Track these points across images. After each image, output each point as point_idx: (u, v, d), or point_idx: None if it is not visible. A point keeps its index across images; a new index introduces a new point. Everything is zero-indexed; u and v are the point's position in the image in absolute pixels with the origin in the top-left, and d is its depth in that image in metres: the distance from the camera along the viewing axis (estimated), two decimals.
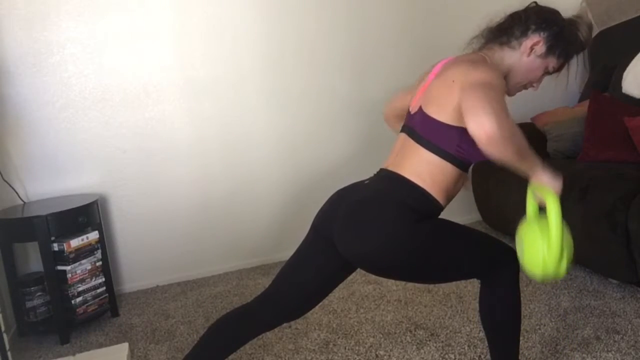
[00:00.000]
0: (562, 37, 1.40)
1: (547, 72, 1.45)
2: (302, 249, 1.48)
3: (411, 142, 1.37)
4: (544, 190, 1.27)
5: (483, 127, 1.11)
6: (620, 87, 2.79)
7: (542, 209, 1.35)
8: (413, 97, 1.47)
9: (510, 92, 1.48)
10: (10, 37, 2.50)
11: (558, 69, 1.46)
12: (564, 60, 1.43)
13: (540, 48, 1.40)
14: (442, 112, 1.31)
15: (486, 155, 1.37)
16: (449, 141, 1.31)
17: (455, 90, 1.26)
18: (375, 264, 1.32)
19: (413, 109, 1.43)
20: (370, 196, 1.34)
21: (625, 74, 2.78)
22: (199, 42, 2.77)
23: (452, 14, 3.13)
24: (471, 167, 1.49)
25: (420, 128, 1.36)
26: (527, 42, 1.40)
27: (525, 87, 1.48)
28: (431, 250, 1.30)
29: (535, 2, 1.46)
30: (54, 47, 2.56)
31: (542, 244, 1.25)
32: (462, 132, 1.29)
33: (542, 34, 1.39)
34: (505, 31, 1.43)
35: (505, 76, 1.44)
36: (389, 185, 1.35)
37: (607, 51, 3.15)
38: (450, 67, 1.36)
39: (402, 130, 1.45)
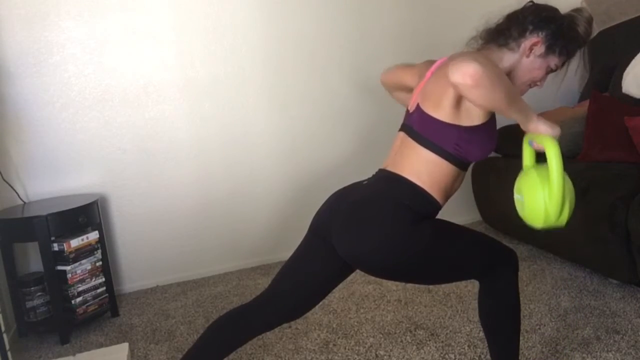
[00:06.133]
0: (560, 35, 1.37)
1: (550, 70, 1.42)
2: (300, 250, 1.48)
3: (410, 141, 1.37)
4: (542, 137, 1.24)
5: (467, 71, 1.11)
6: (620, 87, 2.79)
7: (539, 161, 1.33)
8: (410, 96, 1.48)
9: None
10: (10, 37, 2.49)
11: (561, 66, 1.43)
12: (566, 57, 1.41)
13: (540, 48, 1.38)
14: (439, 110, 1.30)
15: (485, 153, 1.37)
16: (447, 139, 1.31)
17: (450, 85, 1.24)
18: (374, 265, 1.32)
19: (411, 108, 1.43)
20: (368, 197, 1.34)
21: (625, 74, 2.78)
22: (199, 42, 2.77)
23: (452, 14, 3.12)
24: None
25: (419, 126, 1.35)
26: (526, 43, 1.37)
27: (529, 86, 1.45)
28: (430, 252, 1.29)
29: (532, 2, 1.44)
30: (54, 47, 2.56)
31: (542, 191, 1.23)
32: (460, 130, 1.29)
33: (540, 33, 1.37)
34: (502, 32, 1.41)
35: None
36: (388, 186, 1.35)
37: (607, 51, 3.14)
38: (445, 64, 1.35)
39: (401, 129, 1.45)
